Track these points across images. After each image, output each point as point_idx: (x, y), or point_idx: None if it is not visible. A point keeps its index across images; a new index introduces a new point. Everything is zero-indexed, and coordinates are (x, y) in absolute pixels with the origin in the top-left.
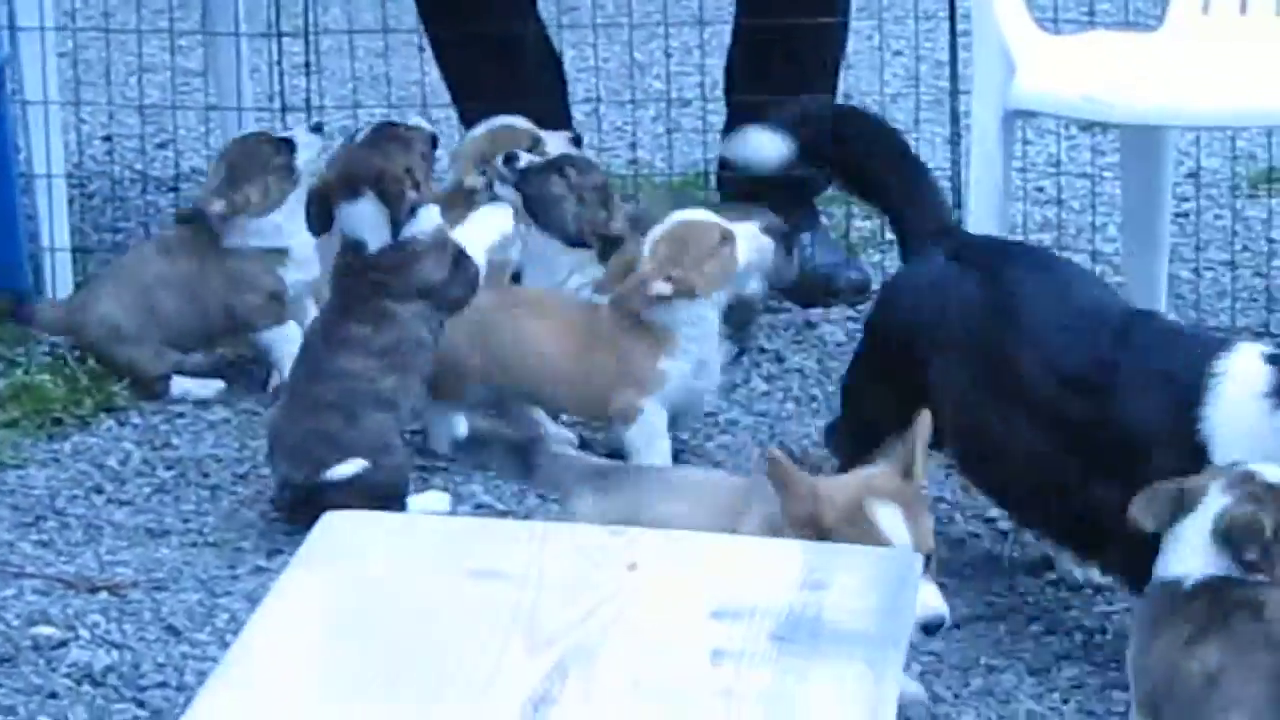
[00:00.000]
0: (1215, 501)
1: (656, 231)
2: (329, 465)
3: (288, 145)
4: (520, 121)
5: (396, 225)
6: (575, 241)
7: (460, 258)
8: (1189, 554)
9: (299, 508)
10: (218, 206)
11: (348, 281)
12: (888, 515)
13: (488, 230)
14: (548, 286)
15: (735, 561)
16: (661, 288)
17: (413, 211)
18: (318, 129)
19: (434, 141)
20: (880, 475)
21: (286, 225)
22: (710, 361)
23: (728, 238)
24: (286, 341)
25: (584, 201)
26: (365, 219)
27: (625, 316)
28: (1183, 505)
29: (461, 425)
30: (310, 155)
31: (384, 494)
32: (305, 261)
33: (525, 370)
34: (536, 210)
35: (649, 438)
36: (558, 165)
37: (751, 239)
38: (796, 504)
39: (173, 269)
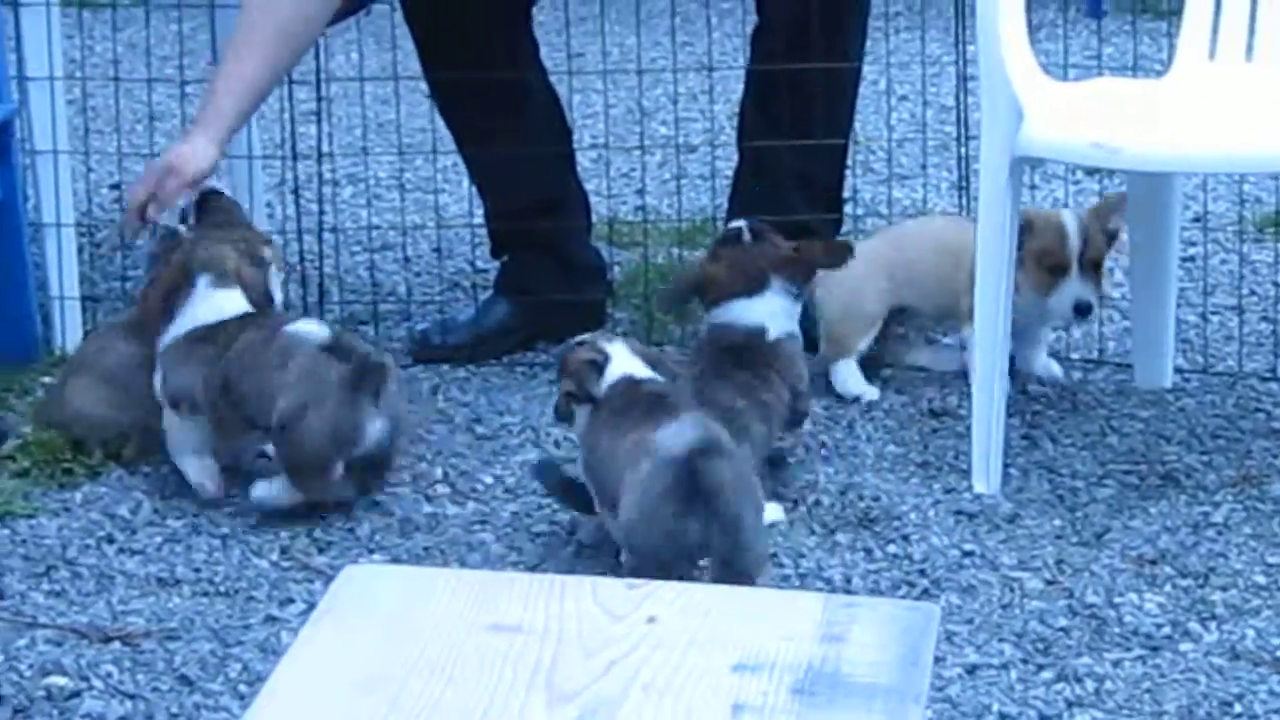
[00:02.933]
0: None
1: None
2: None
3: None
4: None
5: (800, 300)
6: None
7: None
8: None
9: None
10: None
11: (734, 357)
12: None
13: None
14: None
15: (754, 614)
16: None
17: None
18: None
19: None
20: None
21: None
22: None
23: None
24: None
25: None
26: (770, 308)
27: None
28: None
29: None
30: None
31: None
32: None
33: None
34: None
35: None
36: None
37: None
38: None
39: (142, 349)
